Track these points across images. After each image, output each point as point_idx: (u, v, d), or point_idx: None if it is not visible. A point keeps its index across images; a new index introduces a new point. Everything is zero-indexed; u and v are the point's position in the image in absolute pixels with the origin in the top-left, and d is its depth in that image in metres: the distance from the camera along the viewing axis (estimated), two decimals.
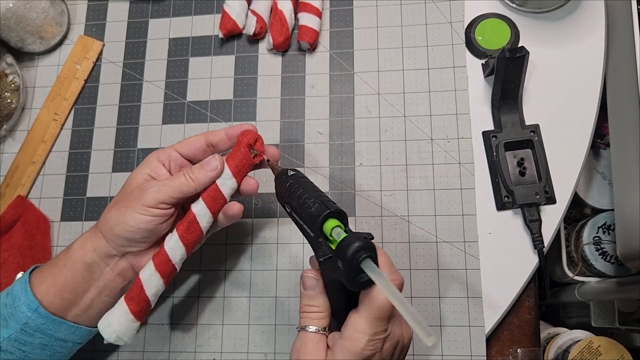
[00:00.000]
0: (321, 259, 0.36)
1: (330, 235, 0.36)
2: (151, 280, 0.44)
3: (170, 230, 0.45)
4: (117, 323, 0.43)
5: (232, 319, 0.54)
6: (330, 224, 0.37)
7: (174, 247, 0.44)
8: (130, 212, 0.42)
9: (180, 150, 0.47)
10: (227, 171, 0.45)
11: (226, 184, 0.45)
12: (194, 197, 0.45)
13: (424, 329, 0.32)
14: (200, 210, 0.44)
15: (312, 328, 0.40)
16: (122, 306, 0.43)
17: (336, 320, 0.41)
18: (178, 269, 0.45)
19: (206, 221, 0.45)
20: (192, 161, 0.47)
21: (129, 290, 0.44)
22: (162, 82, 0.62)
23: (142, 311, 0.44)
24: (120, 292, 0.46)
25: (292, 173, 0.43)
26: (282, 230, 0.56)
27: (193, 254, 0.56)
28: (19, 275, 0.57)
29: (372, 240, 0.36)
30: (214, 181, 0.44)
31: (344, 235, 0.35)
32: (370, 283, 0.35)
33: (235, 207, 0.46)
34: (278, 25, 0.59)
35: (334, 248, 0.35)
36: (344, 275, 0.34)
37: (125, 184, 0.45)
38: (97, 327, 0.44)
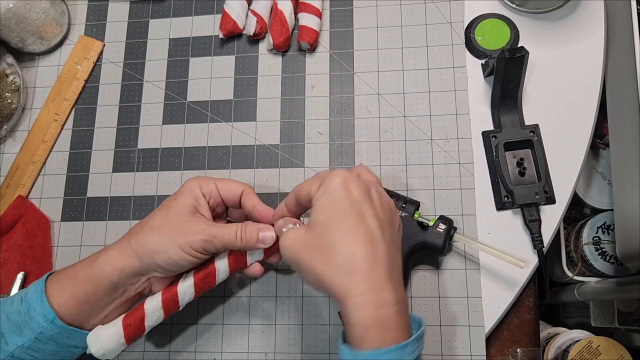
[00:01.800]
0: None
1: (420, 216, 0.51)
2: (154, 314, 0.45)
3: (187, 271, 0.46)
4: (107, 341, 0.43)
5: (232, 318, 0.54)
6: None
7: (185, 291, 0.45)
8: (175, 247, 0.42)
9: (220, 189, 0.47)
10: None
11: (255, 255, 0.47)
12: None
13: (513, 262, 0.47)
14: (221, 267, 0.46)
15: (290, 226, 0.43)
16: (117, 327, 0.44)
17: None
18: (180, 309, 0.46)
19: (222, 278, 0.46)
20: (225, 202, 0.48)
21: (128, 314, 0.45)
22: (163, 82, 0.62)
23: (134, 337, 0.45)
24: (132, 306, 0.47)
25: None
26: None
27: None
28: (19, 276, 0.57)
29: None
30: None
31: (435, 218, 0.51)
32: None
33: (256, 269, 0.47)
34: (278, 25, 0.59)
35: (431, 224, 0.50)
36: (440, 236, 0.50)
37: (166, 207, 0.45)
38: None
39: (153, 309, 0.44)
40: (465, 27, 0.58)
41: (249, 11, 0.61)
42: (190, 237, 0.43)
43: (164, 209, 0.45)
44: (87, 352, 0.44)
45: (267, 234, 0.45)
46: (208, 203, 0.46)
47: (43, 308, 0.42)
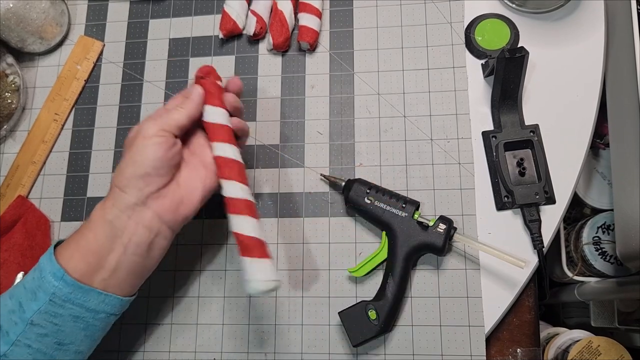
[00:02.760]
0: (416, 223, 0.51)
1: (420, 216, 0.51)
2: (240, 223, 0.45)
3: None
4: (260, 275, 0.43)
5: (232, 318, 0.54)
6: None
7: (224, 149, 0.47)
8: (135, 149, 0.43)
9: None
10: (208, 107, 0.47)
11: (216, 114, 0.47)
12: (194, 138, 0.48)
13: (513, 262, 0.48)
14: (221, 149, 0.46)
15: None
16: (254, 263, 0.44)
17: (390, 271, 0.50)
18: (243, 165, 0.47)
19: (232, 153, 0.46)
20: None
21: (242, 249, 0.44)
22: (163, 83, 0.62)
23: (263, 249, 0.45)
24: (147, 248, 0.44)
25: (358, 177, 0.55)
26: (281, 230, 0.56)
27: (193, 254, 0.56)
28: (19, 275, 0.57)
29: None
30: (202, 111, 0.47)
31: (435, 218, 0.52)
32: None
33: (234, 81, 0.49)
34: (278, 25, 0.59)
35: (431, 224, 0.51)
36: (440, 236, 0.50)
37: (130, 137, 0.46)
38: (127, 296, 0.45)
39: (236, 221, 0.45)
40: (465, 27, 0.58)
41: (249, 11, 0.61)
42: (141, 133, 0.43)
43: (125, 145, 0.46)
44: (251, 290, 0.43)
45: (191, 89, 0.47)
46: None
47: (52, 266, 0.42)
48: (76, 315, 0.42)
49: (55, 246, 0.44)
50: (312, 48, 0.60)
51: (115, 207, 0.43)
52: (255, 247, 0.44)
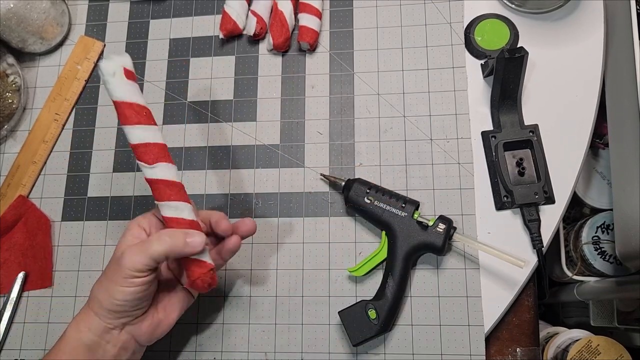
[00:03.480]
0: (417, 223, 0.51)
1: (420, 216, 0.51)
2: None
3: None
4: None
5: (232, 318, 0.54)
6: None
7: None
8: (114, 286, 0.42)
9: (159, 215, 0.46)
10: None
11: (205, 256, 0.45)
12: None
13: (513, 262, 0.48)
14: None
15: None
16: None
17: (390, 270, 0.51)
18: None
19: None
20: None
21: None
22: (163, 83, 0.62)
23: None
24: None
25: (357, 177, 0.55)
26: (282, 230, 0.56)
27: None
28: (20, 275, 0.57)
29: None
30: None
31: (435, 218, 0.52)
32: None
33: (232, 241, 0.47)
34: (278, 25, 0.59)
35: (431, 224, 0.51)
36: (440, 236, 0.50)
37: (113, 255, 0.45)
38: None
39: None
40: (464, 27, 0.59)
41: (249, 11, 0.61)
42: (120, 266, 0.42)
43: (111, 258, 0.45)
44: None
45: (195, 236, 0.43)
46: (149, 235, 0.45)
47: None
48: None
49: None
50: (312, 48, 0.60)
51: (92, 332, 0.43)
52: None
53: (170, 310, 0.47)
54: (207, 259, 0.44)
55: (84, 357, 0.43)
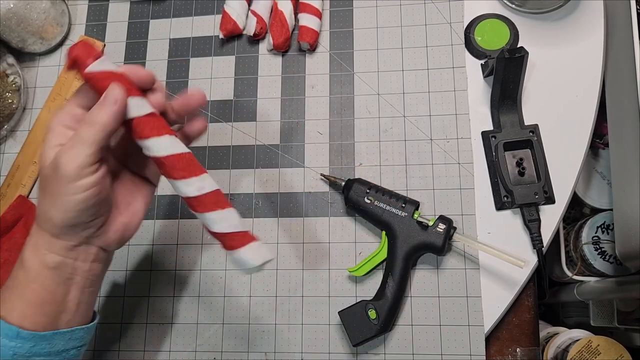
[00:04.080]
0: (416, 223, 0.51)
1: (420, 216, 0.51)
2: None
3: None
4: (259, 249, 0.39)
5: (232, 318, 0.54)
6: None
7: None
8: (62, 197, 0.35)
9: (83, 102, 0.38)
10: (137, 98, 0.37)
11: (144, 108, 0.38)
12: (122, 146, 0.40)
13: (513, 262, 0.48)
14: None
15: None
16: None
17: (390, 270, 0.50)
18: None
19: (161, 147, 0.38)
20: None
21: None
22: (163, 83, 0.62)
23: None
24: (101, 278, 0.41)
25: (357, 177, 0.55)
26: (281, 229, 0.56)
27: (193, 254, 0.56)
28: None
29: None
30: (126, 114, 0.37)
31: (435, 218, 0.52)
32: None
33: (197, 124, 0.42)
34: (278, 25, 0.59)
35: (431, 224, 0.51)
36: (440, 236, 0.50)
37: (40, 166, 0.37)
38: (91, 321, 0.41)
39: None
40: (464, 27, 0.59)
41: (249, 11, 0.61)
42: (59, 173, 0.35)
43: (39, 170, 0.38)
44: (249, 271, 0.39)
45: (109, 92, 0.36)
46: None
47: (2, 329, 0.36)
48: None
49: None
50: (312, 48, 0.60)
51: (53, 252, 0.37)
52: (237, 238, 0.39)
53: (134, 207, 0.41)
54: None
55: (52, 280, 0.38)
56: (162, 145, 0.37)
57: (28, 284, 0.38)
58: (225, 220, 0.39)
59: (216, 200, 0.39)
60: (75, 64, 0.36)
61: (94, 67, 0.36)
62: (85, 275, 0.39)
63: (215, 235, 0.39)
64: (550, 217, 0.53)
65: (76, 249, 0.38)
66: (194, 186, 0.38)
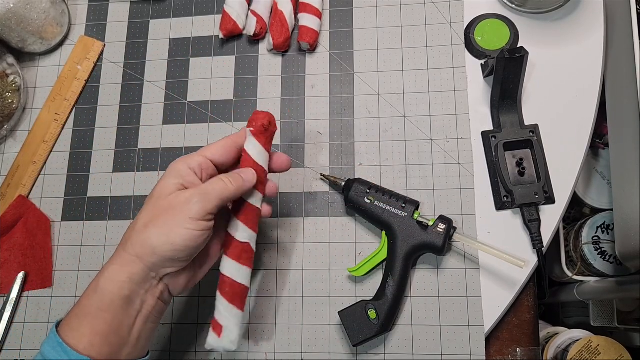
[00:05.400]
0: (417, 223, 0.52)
1: (420, 216, 0.51)
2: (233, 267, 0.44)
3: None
4: (234, 327, 0.44)
5: None
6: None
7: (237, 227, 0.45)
8: (176, 229, 0.39)
9: (210, 156, 0.44)
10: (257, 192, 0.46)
11: (254, 198, 0.45)
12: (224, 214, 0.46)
13: (513, 262, 0.48)
14: (239, 227, 0.45)
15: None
16: (234, 313, 0.44)
17: (390, 270, 0.51)
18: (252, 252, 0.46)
19: (246, 237, 0.45)
20: (221, 168, 0.45)
21: (220, 285, 0.45)
22: (163, 83, 0.62)
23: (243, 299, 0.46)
24: (160, 318, 0.43)
25: (357, 177, 0.54)
26: (282, 230, 0.56)
27: None
28: (20, 275, 0.57)
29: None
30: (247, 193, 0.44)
31: (435, 218, 0.52)
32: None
33: (266, 209, 0.48)
34: (278, 25, 0.59)
35: (431, 224, 0.51)
36: (440, 236, 0.50)
37: (154, 198, 0.41)
38: (145, 356, 0.43)
39: (229, 265, 0.44)
40: (465, 27, 0.59)
41: (249, 11, 0.61)
42: (188, 211, 0.39)
43: (150, 200, 0.42)
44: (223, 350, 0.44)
45: (248, 172, 0.44)
46: (202, 178, 0.43)
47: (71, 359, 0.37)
48: None
49: (56, 326, 0.40)
50: (312, 48, 0.60)
51: (133, 282, 0.40)
52: (238, 296, 0.45)
53: (204, 263, 0.45)
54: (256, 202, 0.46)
55: (123, 310, 0.40)
56: (247, 234, 0.45)
57: (100, 313, 0.39)
58: (227, 311, 0.44)
59: (240, 295, 0.45)
60: (263, 130, 0.45)
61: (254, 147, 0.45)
62: (151, 310, 0.42)
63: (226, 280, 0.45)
64: (550, 217, 0.53)
65: (151, 282, 0.41)
66: (238, 270, 0.45)
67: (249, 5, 0.62)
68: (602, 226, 0.74)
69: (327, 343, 0.52)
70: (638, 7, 0.54)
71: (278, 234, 0.56)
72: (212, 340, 0.44)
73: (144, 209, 0.42)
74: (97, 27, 0.65)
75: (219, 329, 0.44)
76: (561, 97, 0.56)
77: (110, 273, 0.40)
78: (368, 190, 0.53)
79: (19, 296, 0.57)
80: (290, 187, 0.57)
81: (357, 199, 0.53)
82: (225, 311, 0.44)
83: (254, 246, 0.46)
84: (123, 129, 0.61)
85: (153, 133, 0.60)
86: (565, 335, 0.75)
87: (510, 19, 0.58)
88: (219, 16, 0.62)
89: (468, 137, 0.56)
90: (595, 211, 0.78)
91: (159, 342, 0.54)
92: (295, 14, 0.60)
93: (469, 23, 0.58)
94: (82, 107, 0.63)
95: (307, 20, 0.59)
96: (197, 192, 0.41)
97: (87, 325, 0.39)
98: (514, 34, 0.57)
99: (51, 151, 0.62)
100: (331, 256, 0.54)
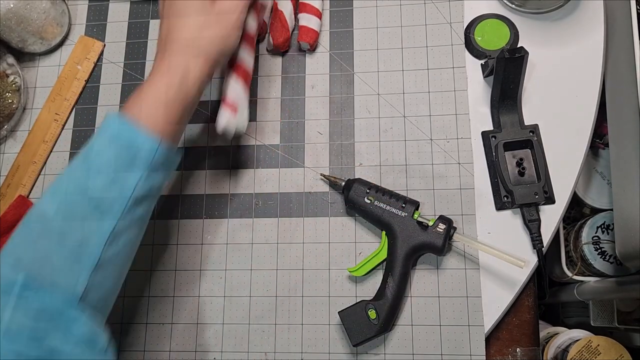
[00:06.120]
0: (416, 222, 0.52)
1: (420, 216, 0.52)
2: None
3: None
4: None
5: (232, 318, 0.54)
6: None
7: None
8: (228, 32, 0.46)
9: None
10: None
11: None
12: None
13: (513, 262, 0.48)
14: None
15: None
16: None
17: (390, 270, 0.50)
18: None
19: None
20: None
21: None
22: None
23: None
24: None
25: (357, 177, 0.55)
26: (281, 230, 0.56)
27: (193, 254, 0.56)
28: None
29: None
30: None
31: (435, 218, 0.52)
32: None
33: None
34: (278, 25, 0.59)
35: (431, 224, 0.51)
36: (440, 236, 0.50)
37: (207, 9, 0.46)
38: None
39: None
40: (465, 27, 0.59)
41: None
42: (233, 17, 0.46)
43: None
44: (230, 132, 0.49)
45: None
46: None
47: (145, 136, 0.42)
48: (162, 182, 0.45)
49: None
50: (312, 48, 0.60)
51: (209, 79, 0.47)
52: (248, 81, 0.51)
53: None
54: None
55: (192, 108, 0.47)
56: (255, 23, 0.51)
57: (179, 105, 0.44)
58: (243, 91, 0.51)
59: (248, 81, 0.51)
60: None
61: None
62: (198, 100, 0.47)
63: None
64: (550, 217, 0.53)
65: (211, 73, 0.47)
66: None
67: None
68: (602, 226, 0.74)
69: (327, 343, 0.52)
70: (638, 7, 0.54)
71: (278, 233, 0.56)
72: (225, 119, 0.49)
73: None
74: (97, 27, 0.65)
75: (234, 109, 0.49)
76: (561, 97, 0.56)
77: (196, 74, 0.45)
78: (368, 190, 0.53)
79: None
80: (290, 187, 0.57)
81: (357, 199, 0.53)
82: (242, 91, 0.50)
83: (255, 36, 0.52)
84: None
85: None
86: (565, 335, 0.75)
87: (510, 19, 0.58)
88: None
89: (468, 137, 0.56)
90: (595, 211, 0.78)
91: (159, 342, 0.54)
92: (295, 14, 0.60)
93: (469, 23, 0.58)
94: (82, 107, 0.63)
95: (307, 20, 0.59)
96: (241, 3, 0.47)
97: (164, 114, 0.43)
98: (514, 34, 0.57)
99: (51, 151, 0.62)
100: (331, 256, 0.54)
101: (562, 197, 0.53)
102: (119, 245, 0.41)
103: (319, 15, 0.60)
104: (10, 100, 0.62)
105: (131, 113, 0.43)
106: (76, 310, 0.39)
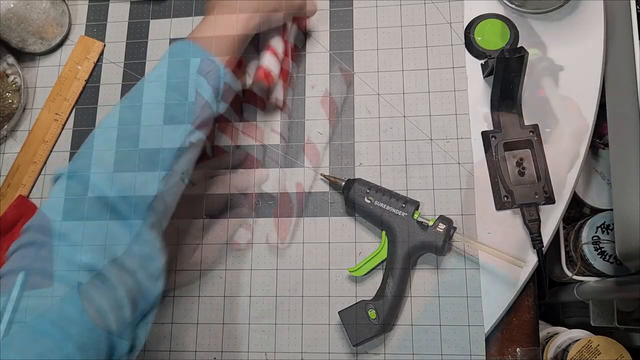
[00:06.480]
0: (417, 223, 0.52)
1: (420, 216, 0.52)
2: None
3: None
4: None
5: (232, 318, 0.54)
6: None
7: None
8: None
9: None
10: None
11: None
12: None
13: (513, 262, 0.49)
14: None
15: None
16: None
17: (390, 270, 0.51)
18: None
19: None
20: None
21: None
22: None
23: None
24: None
25: (357, 177, 0.55)
26: (282, 230, 0.56)
27: (193, 253, 0.56)
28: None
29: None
30: None
31: (435, 218, 0.52)
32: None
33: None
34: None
35: (431, 224, 0.51)
36: (440, 236, 0.50)
37: None
38: None
39: None
40: (464, 27, 0.59)
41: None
42: None
43: None
44: None
45: None
46: None
47: (216, 62, 0.47)
48: (216, 114, 0.50)
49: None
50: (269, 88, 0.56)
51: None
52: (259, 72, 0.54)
53: None
54: None
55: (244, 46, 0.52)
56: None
57: (242, 44, 0.50)
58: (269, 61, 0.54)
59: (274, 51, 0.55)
60: None
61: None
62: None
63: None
64: (550, 217, 0.53)
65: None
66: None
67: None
68: (602, 226, 0.74)
69: (327, 343, 0.52)
70: (638, 7, 0.54)
71: (278, 233, 0.56)
72: (267, 60, 0.53)
73: None
74: (97, 27, 0.65)
75: (277, 56, 0.54)
76: (561, 97, 0.56)
77: (254, 19, 0.50)
78: (368, 190, 0.53)
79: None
80: (290, 188, 0.57)
81: (357, 199, 0.53)
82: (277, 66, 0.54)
83: None
84: None
85: None
86: (565, 335, 0.75)
87: (510, 19, 0.58)
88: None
89: (468, 137, 0.56)
90: (595, 211, 0.77)
91: (159, 342, 0.54)
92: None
93: (469, 23, 0.58)
94: (82, 107, 0.63)
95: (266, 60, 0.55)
96: None
97: (231, 51, 0.49)
98: (514, 33, 0.57)
99: (51, 151, 0.62)
100: (331, 256, 0.54)
101: (562, 197, 0.53)
102: (181, 163, 0.46)
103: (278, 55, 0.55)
104: (10, 100, 0.62)
105: (200, 43, 0.48)
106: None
